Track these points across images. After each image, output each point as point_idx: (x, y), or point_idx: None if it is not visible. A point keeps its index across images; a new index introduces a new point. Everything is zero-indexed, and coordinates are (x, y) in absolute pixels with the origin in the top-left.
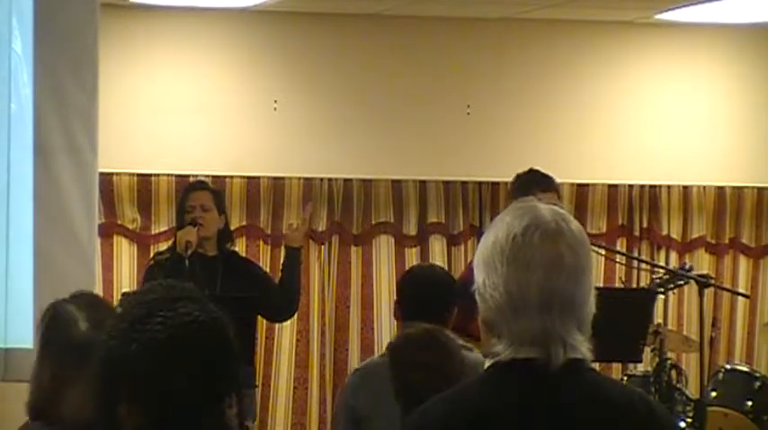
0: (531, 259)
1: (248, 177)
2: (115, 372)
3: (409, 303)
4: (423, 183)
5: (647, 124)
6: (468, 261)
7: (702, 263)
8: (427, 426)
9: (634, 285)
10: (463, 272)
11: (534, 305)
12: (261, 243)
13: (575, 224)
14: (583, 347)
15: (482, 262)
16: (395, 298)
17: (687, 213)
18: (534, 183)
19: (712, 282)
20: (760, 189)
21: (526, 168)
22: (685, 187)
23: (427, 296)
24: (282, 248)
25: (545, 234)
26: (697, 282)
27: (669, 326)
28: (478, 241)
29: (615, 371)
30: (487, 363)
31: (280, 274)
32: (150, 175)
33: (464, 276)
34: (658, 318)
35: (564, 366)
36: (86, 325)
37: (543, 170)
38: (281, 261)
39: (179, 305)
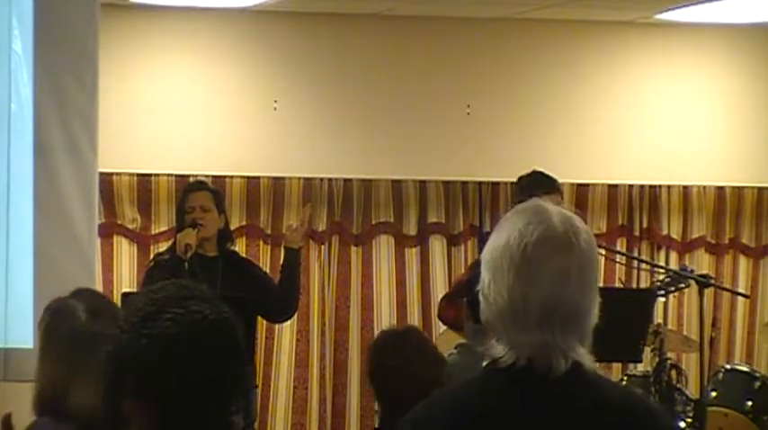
0: (538, 273)
1: (248, 177)
2: (123, 367)
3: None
4: (423, 183)
5: (647, 124)
6: (470, 263)
7: (702, 263)
8: (431, 422)
9: (634, 285)
10: (467, 271)
11: (536, 319)
12: (261, 243)
13: (585, 235)
14: (584, 359)
15: (491, 263)
16: (466, 298)
17: (687, 213)
18: (538, 185)
19: (712, 282)
20: (760, 189)
21: (526, 168)
22: (685, 187)
23: None
24: (282, 248)
25: (557, 249)
26: (697, 282)
27: (669, 326)
28: (479, 241)
29: (615, 371)
30: (486, 362)
31: (279, 275)
32: (150, 175)
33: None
34: (658, 318)
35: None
36: (86, 315)
37: (546, 171)
38: (281, 262)
39: (190, 303)
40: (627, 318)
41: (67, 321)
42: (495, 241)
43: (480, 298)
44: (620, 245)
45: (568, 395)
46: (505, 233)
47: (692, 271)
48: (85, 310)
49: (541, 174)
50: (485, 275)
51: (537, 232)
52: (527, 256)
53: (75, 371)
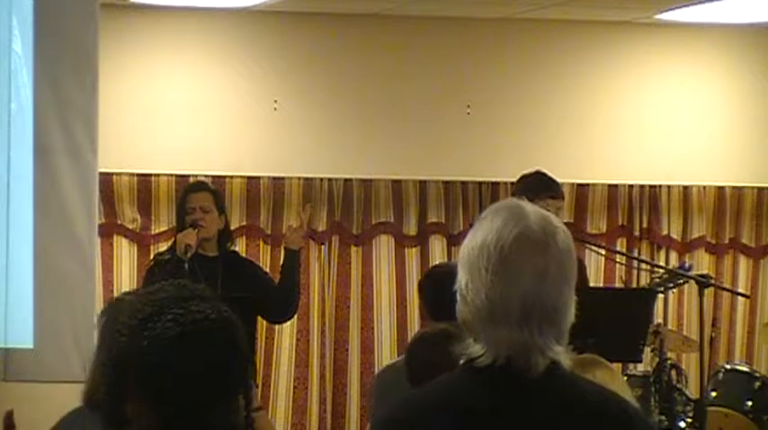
0: (516, 271)
1: (248, 177)
2: (125, 369)
3: (435, 305)
4: (423, 183)
5: (647, 124)
6: None
7: (702, 263)
8: (406, 419)
9: (634, 285)
10: None
11: (515, 318)
12: (261, 243)
13: (562, 234)
14: (561, 358)
15: (467, 263)
16: (421, 299)
17: (687, 213)
18: (542, 187)
19: (712, 282)
20: (760, 189)
21: (526, 168)
22: (685, 187)
23: (452, 296)
24: (282, 249)
25: (533, 246)
26: (697, 282)
27: (669, 326)
28: None
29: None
30: (462, 361)
31: (279, 276)
32: (150, 175)
33: None
34: (658, 318)
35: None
36: None
37: (549, 173)
38: (281, 262)
39: (191, 304)
40: (627, 318)
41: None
42: (472, 241)
43: (458, 298)
44: (620, 245)
45: (546, 393)
46: (482, 233)
47: (690, 266)
48: None
49: (545, 175)
50: (462, 275)
51: (514, 232)
52: (504, 256)
53: None
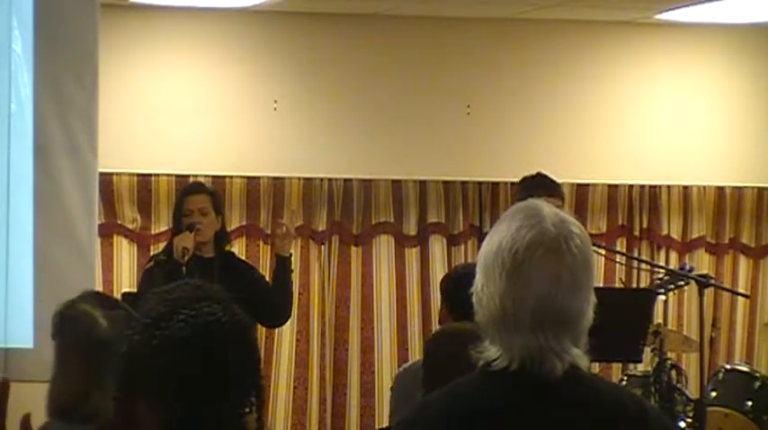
0: (528, 278)
1: (248, 177)
2: (136, 369)
3: (459, 305)
4: (423, 183)
5: (648, 124)
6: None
7: (702, 263)
8: (426, 421)
9: (634, 285)
10: None
11: (527, 324)
12: (261, 243)
13: (578, 240)
14: (580, 361)
15: (483, 266)
16: (443, 300)
17: (687, 213)
18: (540, 187)
19: (712, 282)
20: (760, 189)
21: (526, 168)
22: (685, 187)
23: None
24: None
25: (548, 253)
26: (697, 282)
27: (669, 327)
28: (479, 241)
29: (615, 371)
30: (481, 363)
31: (272, 283)
32: (150, 175)
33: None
34: (658, 318)
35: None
36: (105, 322)
37: (550, 175)
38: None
39: (203, 305)
40: (627, 318)
41: (89, 331)
42: (489, 243)
43: (474, 300)
44: (620, 245)
45: (561, 396)
46: (498, 236)
47: (691, 269)
48: (104, 317)
49: (545, 176)
50: (478, 278)
51: (528, 236)
52: (518, 261)
53: (100, 378)
